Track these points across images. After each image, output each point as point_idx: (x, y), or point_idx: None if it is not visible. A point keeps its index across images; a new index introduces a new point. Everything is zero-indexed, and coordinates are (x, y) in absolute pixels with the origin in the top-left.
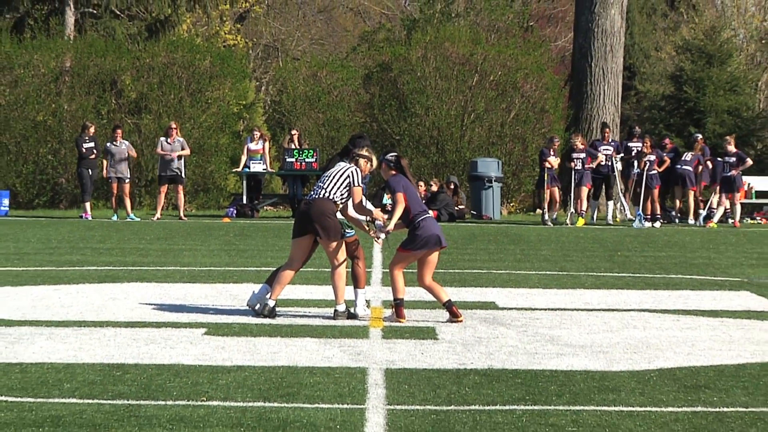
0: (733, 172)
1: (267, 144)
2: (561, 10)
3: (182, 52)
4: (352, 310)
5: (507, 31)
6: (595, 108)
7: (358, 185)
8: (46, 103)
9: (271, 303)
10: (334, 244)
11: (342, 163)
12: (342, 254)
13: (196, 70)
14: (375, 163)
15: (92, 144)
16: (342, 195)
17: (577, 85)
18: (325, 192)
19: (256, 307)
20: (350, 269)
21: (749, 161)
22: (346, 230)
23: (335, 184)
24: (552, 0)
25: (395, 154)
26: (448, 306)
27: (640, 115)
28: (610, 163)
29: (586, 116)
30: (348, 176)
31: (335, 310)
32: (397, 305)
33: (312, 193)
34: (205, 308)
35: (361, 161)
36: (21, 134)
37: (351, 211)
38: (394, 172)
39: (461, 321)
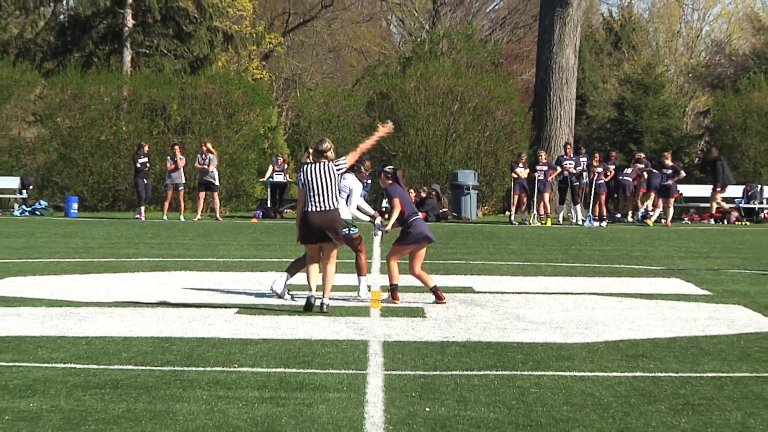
0: (669, 181)
1: (286, 162)
2: (525, 50)
3: (218, 84)
4: (356, 294)
5: (482, 67)
6: (553, 129)
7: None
8: (108, 125)
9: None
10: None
11: (327, 169)
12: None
13: (230, 99)
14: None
15: (146, 159)
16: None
17: (539, 110)
18: (333, 201)
19: (278, 291)
20: (354, 260)
21: (683, 173)
22: (352, 228)
23: (334, 190)
24: (518, 41)
25: (392, 167)
26: (434, 290)
27: (590, 135)
28: (574, 174)
29: (546, 136)
30: (341, 178)
31: (325, 304)
32: (393, 289)
33: (317, 202)
34: (237, 292)
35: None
36: (88, 151)
37: (354, 210)
38: (390, 182)
39: (445, 303)
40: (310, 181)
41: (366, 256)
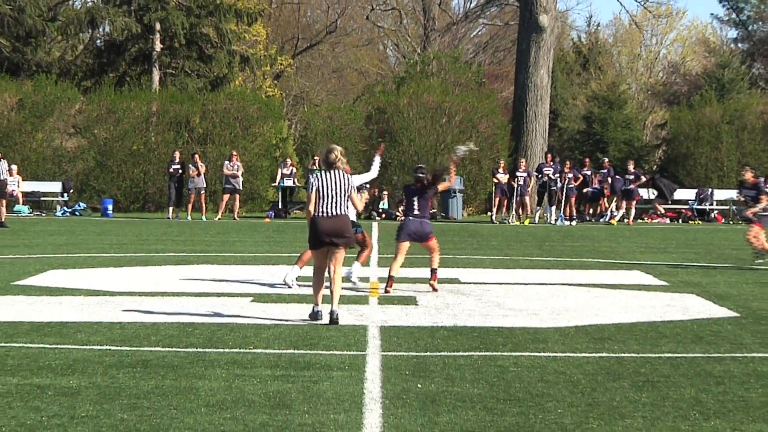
0: (632, 186)
1: (295, 168)
2: (505, 70)
3: (236, 100)
4: (347, 270)
5: (467, 86)
6: (529, 140)
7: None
8: (139, 137)
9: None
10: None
11: (342, 178)
12: None
13: (246, 113)
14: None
15: (178, 166)
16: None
17: (517, 123)
18: (344, 208)
19: (289, 282)
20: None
21: (644, 178)
22: (358, 228)
23: (344, 199)
24: (498, 63)
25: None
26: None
27: (561, 145)
28: (552, 179)
29: (524, 146)
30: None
31: (335, 312)
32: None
33: (328, 208)
34: (252, 283)
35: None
36: (121, 159)
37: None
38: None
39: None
40: (324, 188)
41: (370, 251)
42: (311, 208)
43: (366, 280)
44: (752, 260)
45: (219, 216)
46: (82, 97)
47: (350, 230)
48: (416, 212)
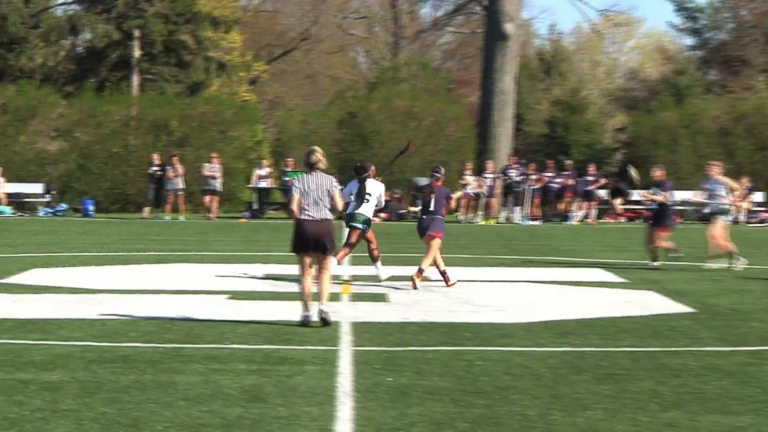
0: (592, 187)
1: (270, 170)
2: (472, 76)
3: (213, 105)
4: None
5: (435, 91)
6: (495, 144)
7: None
8: (119, 140)
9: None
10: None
11: (323, 180)
12: None
13: (222, 117)
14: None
15: (157, 168)
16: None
17: (483, 127)
18: (326, 212)
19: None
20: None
21: (603, 180)
22: (367, 226)
23: (326, 202)
24: (465, 69)
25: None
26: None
27: (526, 148)
28: (517, 180)
29: (490, 149)
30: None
31: (324, 311)
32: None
33: (311, 212)
34: (229, 281)
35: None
36: (102, 161)
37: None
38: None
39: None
40: (306, 190)
41: (377, 247)
42: (294, 208)
43: (337, 277)
44: (668, 258)
45: (212, 215)
46: (63, 102)
47: (333, 238)
48: (431, 209)
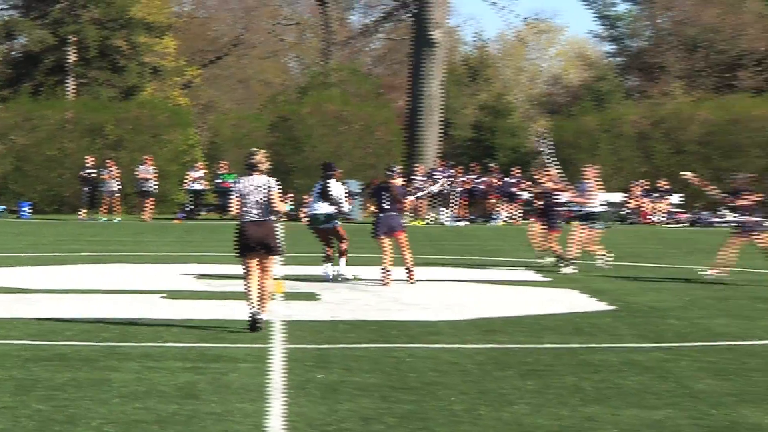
0: (515, 189)
1: (204, 172)
2: (400, 82)
3: (147, 109)
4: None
5: (365, 96)
6: (423, 147)
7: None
8: (54, 143)
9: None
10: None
11: (263, 182)
12: None
13: (156, 121)
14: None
15: (89, 170)
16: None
17: (411, 131)
18: (267, 213)
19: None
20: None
21: (527, 183)
22: (335, 221)
23: (267, 203)
24: (394, 75)
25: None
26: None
27: (453, 151)
28: (442, 183)
29: (418, 152)
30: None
31: (260, 317)
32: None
33: (252, 213)
34: (163, 281)
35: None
36: (38, 164)
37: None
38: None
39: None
40: (247, 193)
41: (347, 243)
42: (234, 212)
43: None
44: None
45: (146, 216)
46: (0, 105)
47: (276, 239)
48: (385, 207)
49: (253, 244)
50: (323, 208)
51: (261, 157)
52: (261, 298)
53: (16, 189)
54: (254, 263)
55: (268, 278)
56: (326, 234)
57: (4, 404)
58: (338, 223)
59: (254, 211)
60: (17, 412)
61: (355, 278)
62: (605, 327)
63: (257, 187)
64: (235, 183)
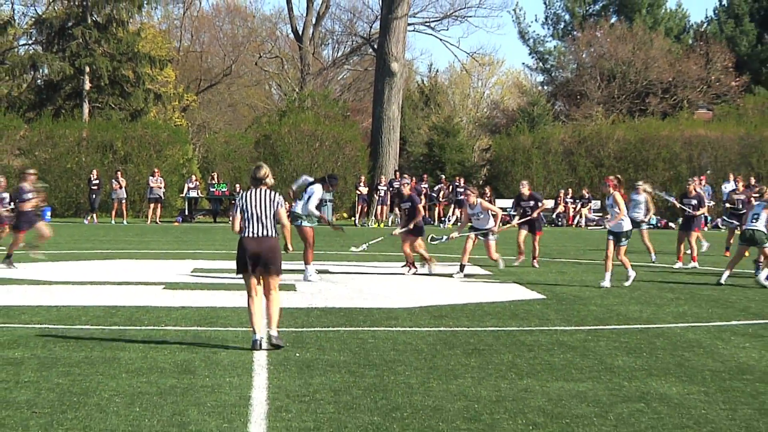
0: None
1: (198, 183)
2: (364, 106)
3: (151, 129)
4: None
5: (335, 118)
6: (384, 161)
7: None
8: (72, 157)
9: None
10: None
11: (267, 196)
12: None
13: (158, 139)
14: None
15: (97, 181)
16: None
17: (374, 148)
18: (270, 229)
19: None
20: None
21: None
22: (304, 221)
23: (272, 218)
24: (359, 100)
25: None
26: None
27: (409, 165)
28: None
29: (380, 165)
30: (276, 200)
31: (273, 336)
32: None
33: (254, 229)
34: (164, 274)
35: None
36: (58, 175)
37: (310, 208)
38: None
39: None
40: (249, 208)
41: (312, 249)
42: (236, 228)
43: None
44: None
45: (149, 221)
46: (25, 126)
47: (279, 256)
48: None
49: (250, 261)
50: (298, 207)
51: (267, 170)
52: (269, 317)
53: None
54: (254, 282)
55: (275, 297)
56: (300, 233)
57: (29, 378)
58: (305, 224)
59: (253, 226)
60: (40, 386)
61: (322, 278)
62: (537, 313)
63: (263, 201)
64: (237, 200)
